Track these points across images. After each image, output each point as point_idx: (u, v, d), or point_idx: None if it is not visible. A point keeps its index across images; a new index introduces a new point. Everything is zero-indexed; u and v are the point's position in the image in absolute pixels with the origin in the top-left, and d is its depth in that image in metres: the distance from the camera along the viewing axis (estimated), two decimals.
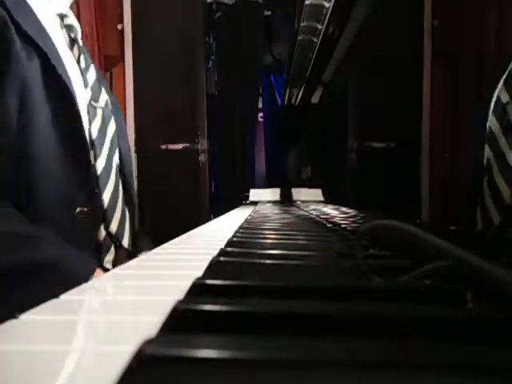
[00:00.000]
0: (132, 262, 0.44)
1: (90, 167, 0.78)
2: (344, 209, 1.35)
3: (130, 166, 0.99)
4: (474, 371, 0.16)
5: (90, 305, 0.29)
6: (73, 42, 0.85)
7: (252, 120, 2.43)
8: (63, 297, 0.29)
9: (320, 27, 1.18)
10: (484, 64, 1.73)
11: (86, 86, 0.83)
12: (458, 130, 1.90)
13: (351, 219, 0.88)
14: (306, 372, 0.16)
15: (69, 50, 0.83)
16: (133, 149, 2.07)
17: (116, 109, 0.97)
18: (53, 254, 0.62)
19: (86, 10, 1.82)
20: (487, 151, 0.92)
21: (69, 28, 0.85)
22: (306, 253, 0.46)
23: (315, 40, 1.27)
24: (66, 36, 0.84)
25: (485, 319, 0.22)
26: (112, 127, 0.89)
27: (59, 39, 0.80)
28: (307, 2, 1.06)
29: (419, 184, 2.04)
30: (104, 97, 0.88)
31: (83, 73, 0.83)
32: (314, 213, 1.12)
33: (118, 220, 0.85)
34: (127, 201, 0.93)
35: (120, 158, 0.91)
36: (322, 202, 2.12)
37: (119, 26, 2.05)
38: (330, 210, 1.24)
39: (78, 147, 0.76)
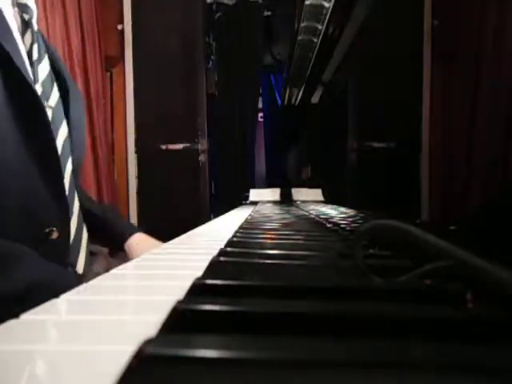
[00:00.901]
0: (132, 262, 0.44)
1: (61, 180, 0.68)
2: (344, 209, 1.35)
3: (79, 172, 0.84)
4: (474, 371, 0.16)
5: (90, 305, 0.29)
6: (26, 25, 0.70)
7: (252, 120, 2.43)
8: (63, 297, 0.29)
9: (320, 27, 1.18)
10: (484, 64, 1.73)
11: (36, 81, 0.69)
12: (457, 130, 1.90)
13: (351, 219, 0.88)
14: (306, 372, 0.16)
15: (19, 37, 0.69)
16: (133, 149, 2.07)
17: (77, 105, 0.82)
18: (38, 274, 0.55)
19: (87, 11, 1.82)
20: None
21: (22, 7, 0.70)
22: (305, 253, 0.46)
23: (315, 40, 1.27)
24: (18, 18, 0.70)
25: (485, 319, 0.22)
26: (63, 130, 0.75)
27: (9, 21, 0.65)
28: (307, 2, 1.06)
29: (419, 184, 2.04)
30: (55, 94, 0.75)
31: (34, 65, 0.70)
32: (314, 213, 1.12)
33: (71, 240, 0.72)
34: (86, 215, 0.80)
35: (72, 163, 0.77)
36: (321, 202, 2.12)
37: (119, 26, 2.05)
38: (329, 210, 1.24)
39: (46, 158, 0.65)
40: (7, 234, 0.57)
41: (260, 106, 2.59)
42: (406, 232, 0.31)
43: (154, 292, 0.31)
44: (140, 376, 0.16)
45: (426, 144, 2.04)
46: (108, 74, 2.06)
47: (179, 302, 0.24)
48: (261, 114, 2.64)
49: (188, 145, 2.06)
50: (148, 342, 0.18)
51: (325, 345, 0.18)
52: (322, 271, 0.39)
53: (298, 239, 0.59)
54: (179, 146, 2.06)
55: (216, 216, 1.45)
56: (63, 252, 0.69)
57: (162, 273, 0.38)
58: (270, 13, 2.41)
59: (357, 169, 2.09)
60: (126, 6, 2.04)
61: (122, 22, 2.05)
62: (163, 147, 2.06)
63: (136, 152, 2.06)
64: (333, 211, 1.19)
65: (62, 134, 0.74)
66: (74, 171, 0.77)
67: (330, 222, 0.81)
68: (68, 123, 0.77)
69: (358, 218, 0.94)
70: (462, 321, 0.22)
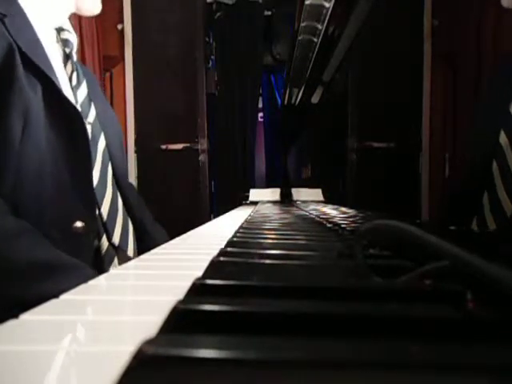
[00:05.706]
0: (132, 262, 0.44)
1: (91, 183, 0.79)
2: (344, 209, 1.35)
3: (124, 176, 0.98)
4: (474, 371, 0.16)
5: (90, 305, 0.29)
6: (67, 57, 0.85)
7: (252, 120, 2.43)
8: (63, 297, 0.29)
9: (320, 27, 1.17)
10: (484, 64, 1.73)
11: (76, 102, 0.83)
12: (458, 129, 1.90)
13: (351, 219, 0.87)
14: (306, 372, 0.16)
15: (62, 67, 0.84)
16: (133, 149, 2.07)
17: (111, 119, 0.96)
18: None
19: None
20: (494, 165, 0.91)
21: (64, 42, 0.85)
22: (305, 253, 0.46)
23: (315, 40, 1.27)
24: (61, 51, 0.85)
25: (485, 319, 0.22)
26: (102, 141, 0.89)
27: (54, 55, 0.81)
28: (307, 2, 1.06)
29: (419, 184, 2.04)
30: (93, 112, 0.88)
31: (74, 90, 0.84)
32: (314, 213, 1.12)
33: (120, 231, 0.85)
34: (128, 209, 0.93)
35: (113, 169, 0.91)
36: (321, 201, 2.12)
37: (119, 26, 2.05)
38: (329, 210, 1.24)
39: (81, 165, 0.76)
40: (39, 226, 0.65)
41: (260, 105, 2.59)
42: (406, 232, 0.31)
43: (154, 292, 0.31)
44: (140, 376, 0.16)
45: (426, 144, 2.04)
46: (108, 73, 2.06)
47: (179, 302, 0.24)
48: (261, 114, 2.64)
49: (188, 145, 2.06)
50: (148, 342, 0.18)
51: (325, 345, 0.18)
52: (322, 271, 0.39)
53: (298, 239, 0.59)
54: (179, 146, 2.06)
55: (216, 216, 1.45)
56: (91, 243, 0.78)
57: (161, 273, 0.38)
58: (270, 13, 2.41)
59: (357, 169, 2.09)
60: (126, 6, 2.04)
61: (122, 21, 2.05)
62: (163, 147, 2.06)
63: (136, 152, 2.06)
64: (333, 211, 1.19)
65: (101, 145, 0.87)
66: (115, 176, 0.90)
67: (330, 222, 0.81)
68: (105, 137, 0.90)
69: (358, 217, 0.93)
70: (462, 321, 0.22)
